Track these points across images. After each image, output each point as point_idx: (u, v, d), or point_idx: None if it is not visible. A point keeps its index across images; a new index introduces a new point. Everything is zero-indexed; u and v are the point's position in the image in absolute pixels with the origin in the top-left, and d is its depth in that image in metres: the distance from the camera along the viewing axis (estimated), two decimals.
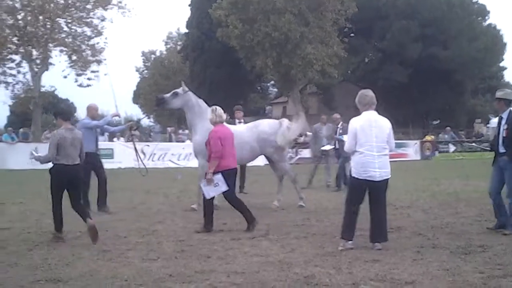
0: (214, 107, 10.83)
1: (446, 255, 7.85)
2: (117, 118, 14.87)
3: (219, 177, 9.95)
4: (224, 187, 9.99)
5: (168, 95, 13.22)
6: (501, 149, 9.56)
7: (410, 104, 55.16)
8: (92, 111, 13.14)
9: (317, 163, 18.61)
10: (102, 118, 13.84)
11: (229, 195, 10.24)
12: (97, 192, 12.78)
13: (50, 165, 9.45)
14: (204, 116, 12.87)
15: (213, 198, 10.29)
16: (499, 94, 9.86)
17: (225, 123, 10.89)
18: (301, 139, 36.36)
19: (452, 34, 53.01)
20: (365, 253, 7.98)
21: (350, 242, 8.35)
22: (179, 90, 13.06)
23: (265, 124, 13.34)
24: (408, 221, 10.90)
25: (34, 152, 10.05)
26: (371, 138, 8.24)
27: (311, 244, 8.74)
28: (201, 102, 13.18)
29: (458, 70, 52.54)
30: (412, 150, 36.93)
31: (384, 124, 8.47)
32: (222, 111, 10.60)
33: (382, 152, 8.29)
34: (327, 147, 18.01)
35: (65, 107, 11.14)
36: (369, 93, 8.61)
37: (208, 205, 10.21)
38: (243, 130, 13.22)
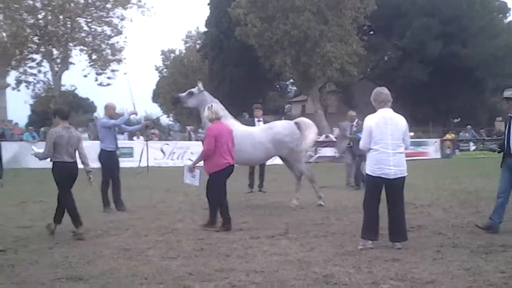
0: (210, 104, 11.01)
1: (466, 254, 7.80)
2: (134, 116, 14.91)
3: (198, 172, 10.40)
4: (197, 183, 10.43)
5: (183, 94, 13.36)
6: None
7: (430, 102, 54.75)
8: (110, 110, 13.23)
9: (352, 162, 17.78)
10: (120, 117, 13.91)
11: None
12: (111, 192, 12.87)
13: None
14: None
15: (225, 197, 10.33)
16: (507, 93, 9.68)
17: (231, 120, 10.95)
18: (320, 138, 36.40)
19: (472, 32, 52.53)
20: (385, 252, 7.96)
21: (370, 241, 8.32)
22: (195, 90, 13.16)
23: (279, 126, 13.35)
24: (428, 220, 10.85)
25: (34, 148, 10.19)
26: (386, 136, 8.21)
27: (331, 243, 8.73)
28: (216, 102, 13.25)
29: (478, 68, 52.04)
30: (432, 148, 36.66)
31: (399, 122, 8.42)
32: (218, 108, 10.69)
33: (397, 150, 8.25)
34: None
35: (64, 106, 11.26)
36: (384, 90, 8.57)
37: (222, 204, 10.25)
38: (257, 131, 13.27)
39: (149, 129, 14.63)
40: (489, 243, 8.45)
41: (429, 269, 7.01)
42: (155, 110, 74.96)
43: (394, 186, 8.26)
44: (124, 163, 14.37)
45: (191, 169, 10.47)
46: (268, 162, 16.96)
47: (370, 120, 8.43)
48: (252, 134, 13.04)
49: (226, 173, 10.26)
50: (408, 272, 6.85)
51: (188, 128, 40.57)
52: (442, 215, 11.48)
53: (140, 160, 14.00)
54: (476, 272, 6.82)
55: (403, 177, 8.33)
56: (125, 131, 13.71)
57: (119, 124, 13.18)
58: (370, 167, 8.33)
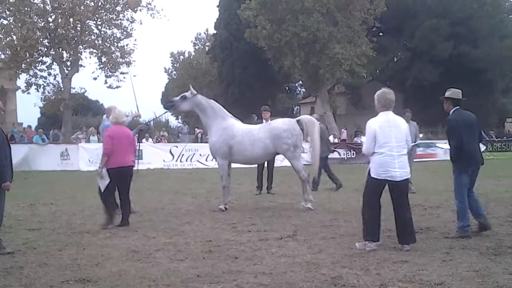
0: (113, 109, 11.63)
1: (475, 256, 7.77)
2: (138, 118, 14.96)
3: (104, 171, 10.78)
4: (107, 180, 10.71)
5: (177, 98, 13.51)
6: None
7: (440, 103, 54.33)
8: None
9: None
10: None
11: (107, 189, 10.85)
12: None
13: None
14: (218, 116, 13.05)
15: (112, 194, 11.03)
16: (447, 93, 9.79)
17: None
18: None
19: (482, 33, 52.33)
20: (394, 254, 7.94)
21: (374, 243, 8.33)
22: (187, 94, 13.26)
23: (278, 121, 13.38)
24: (437, 222, 10.82)
25: None
26: (390, 139, 8.25)
27: (339, 245, 8.71)
28: (212, 103, 13.38)
29: (488, 68, 51.87)
30: (441, 150, 36.48)
31: (401, 124, 8.50)
32: (119, 113, 11.33)
33: (401, 152, 8.31)
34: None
35: None
36: (391, 95, 8.62)
37: (108, 201, 10.92)
38: (256, 128, 13.28)
39: (144, 132, 14.65)
40: (498, 245, 8.41)
41: (438, 271, 6.98)
42: (163, 111, 75.23)
43: (400, 188, 8.32)
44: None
45: (99, 174, 10.84)
46: (277, 164, 17.00)
47: (374, 124, 8.42)
48: (252, 132, 13.08)
49: (117, 173, 10.77)
50: (416, 274, 6.82)
51: (197, 130, 40.71)
52: (451, 217, 11.37)
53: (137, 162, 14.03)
54: (485, 273, 6.79)
55: (407, 179, 8.42)
56: None
57: None
58: (375, 170, 8.32)
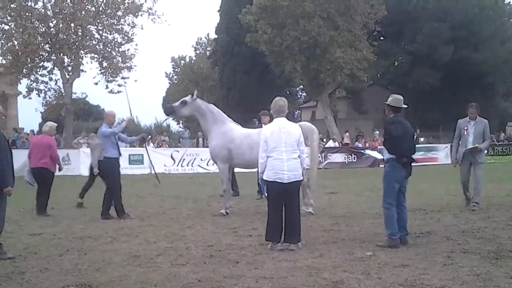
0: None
1: (477, 260, 7.76)
2: (132, 122, 14.99)
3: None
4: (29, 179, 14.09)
5: (177, 104, 13.58)
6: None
7: (441, 107, 54.52)
8: (109, 118, 13.36)
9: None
10: (119, 125, 14.00)
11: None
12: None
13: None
14: (218, 120, 13.10)
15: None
16: (388, 100, 9.57)
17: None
18: (327, 144, 36.29)
19: (483, 36, 52.28)
20: (395, 258, 7.93)
21: (279, 244, 8.80)
22: (187, 98, 13.34)
23: None
24: (438, 226, 10.80)
25: None
26: (280, 144, 8.86)
27: (340, 249, 8.71)
28: (212, 107, 13.46)
29: (489, 72, 51.81)
30: (442, 154, 36.38)
31: (292, 130, 9.08)
32: (51, 125, 14.28)
33: (291, 156, 8.86)
34: (484, 144, 14.15)
35: None
36: (281, 102, 9.25)
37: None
38: (255, 132, 13.28)
39: (146, 140, 14.74)
40: (499, 249, 8.39)
41: (439, 275, 6.98)
42: (164, 117, 75.17)
43: (289, 190, 8.84)
44: (134, 170, 14.39)
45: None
46: None
47: (266, 130, 9.10)
48: (250, 135, 13.10)
49: (34, 171, 13.68)
50: (417, 278, 6.82)
51: (200, 134, 40.71)
52: (452, 221, 11.41)
53: (151, 168, 14.10)
54: (486, 277, 6.78)
55: (298, 181, 8.97)
56: (125, 142, 13.83)
57: (117, 132, 13.17)
58: (267, 173, 8.87)
